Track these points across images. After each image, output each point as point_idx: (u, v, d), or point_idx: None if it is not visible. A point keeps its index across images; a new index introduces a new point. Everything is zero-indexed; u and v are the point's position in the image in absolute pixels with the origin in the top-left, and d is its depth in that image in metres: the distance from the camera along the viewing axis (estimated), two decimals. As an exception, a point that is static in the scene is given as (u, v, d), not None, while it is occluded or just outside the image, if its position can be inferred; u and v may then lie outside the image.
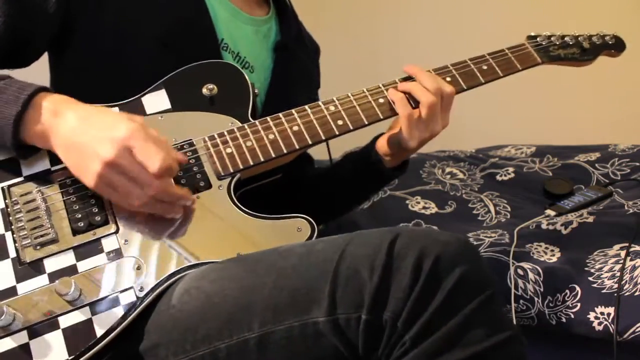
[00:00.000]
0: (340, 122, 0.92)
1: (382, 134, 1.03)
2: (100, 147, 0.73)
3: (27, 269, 0.76)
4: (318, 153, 1.18)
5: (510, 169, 1.60)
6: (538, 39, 1.09)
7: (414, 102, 0.94)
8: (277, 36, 1.10)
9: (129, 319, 0.74)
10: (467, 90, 1.00)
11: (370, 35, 2.44)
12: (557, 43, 1.09)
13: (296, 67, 1.11)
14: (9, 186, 0.82)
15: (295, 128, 0.90)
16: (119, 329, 0.73)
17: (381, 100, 0.95)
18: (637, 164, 1.48)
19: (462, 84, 0.99)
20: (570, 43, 1.10)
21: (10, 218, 0.79)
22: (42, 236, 0.78)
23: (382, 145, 1.01)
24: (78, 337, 0.73)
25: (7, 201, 0.81)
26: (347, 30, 2.47)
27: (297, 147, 0.89)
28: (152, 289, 0.76)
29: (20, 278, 0.76)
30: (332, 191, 1.12)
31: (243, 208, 0.84)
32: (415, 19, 2.36)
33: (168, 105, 0.91)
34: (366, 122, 0.93)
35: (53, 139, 0.77)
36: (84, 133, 0.75)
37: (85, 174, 0.75)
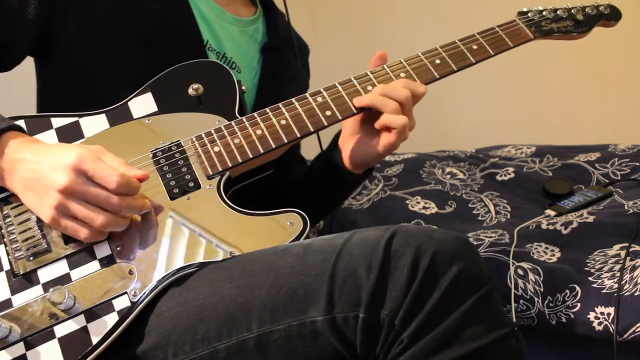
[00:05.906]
0: (328, 113, 0.91)
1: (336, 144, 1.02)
2: (54, 177, 0.72)
3: (21, 281, 0.76)
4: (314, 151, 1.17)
5: (510, 169, 1.60)
6: (529, 14, 1.06)
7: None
8: (264, 37, 1.09)
9: (124, 324, 0.74)
10: (457, 72, 0.97)
11: (365, 28, 2.44)
12: (550, 17, 1.06)
13: (285, 68, 1.10)
14: (0, 200, 0.81)
15: (283, 122, 0.89)
16: (114, 335, 0.73)
17: (369, 88, 0.93)
18: (637, 164, 1.47)
19: (453, 66, 0.96)
20: (563, 16, 1.07)
21: (3, 231, 0.79)
22: (34, 247, 0.78)
23: (348, 160, 1.00)
24: (74, 345, 0.73)
25: None
26: (343, 24, 2.47)
27: (285, 140, 0.89)
28: (146, 294, 0.76)
29: (15, 290, 0.76)
30: (308, 195, 1.11)
31: (234, 206, 0.83)
32: (410, 8, 2.36)
33: (155, 108, 0.90)
34: (355, 111, 0.92)
35: (10, 182, 0.77)
36: (38, 167, 0.74)
37: (42, 209, 0.75)
